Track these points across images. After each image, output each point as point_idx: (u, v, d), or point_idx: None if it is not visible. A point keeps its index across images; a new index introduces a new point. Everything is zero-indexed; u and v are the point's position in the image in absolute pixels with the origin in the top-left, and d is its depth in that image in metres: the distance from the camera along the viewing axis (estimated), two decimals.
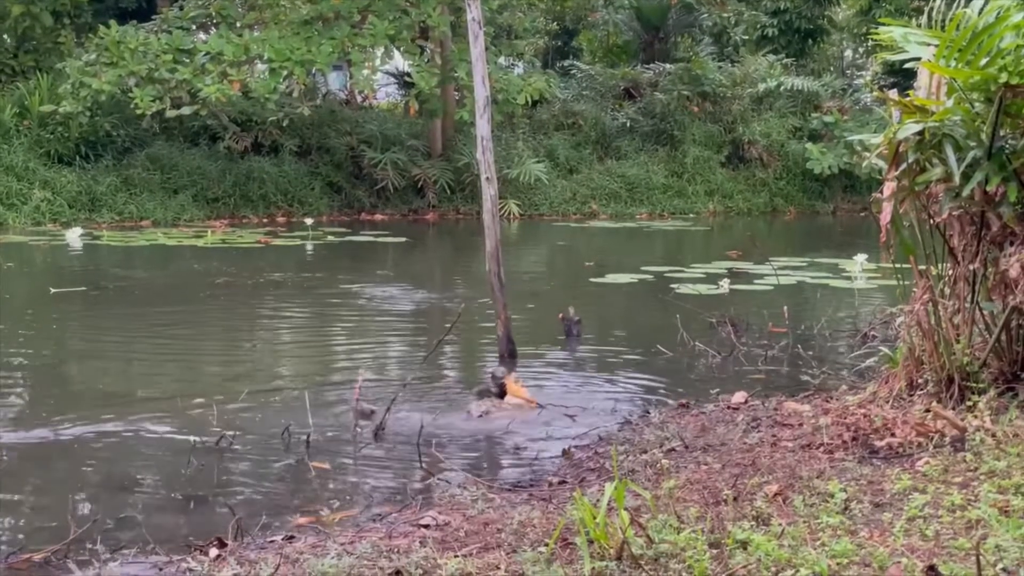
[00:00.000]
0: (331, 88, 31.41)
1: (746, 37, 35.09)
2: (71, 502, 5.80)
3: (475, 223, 20.60)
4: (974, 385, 6.31)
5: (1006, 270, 6.47)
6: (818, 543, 4.43)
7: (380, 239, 21.85)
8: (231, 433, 7.28)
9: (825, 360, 9.84)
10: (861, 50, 39.77)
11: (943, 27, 6.57)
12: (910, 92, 6.75)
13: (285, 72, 23.50)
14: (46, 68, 25.50)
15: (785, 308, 11.33)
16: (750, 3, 35.56)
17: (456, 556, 4.59)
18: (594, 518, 4.40)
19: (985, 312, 6.62)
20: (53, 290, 13.93)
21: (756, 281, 15.15)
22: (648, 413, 7.78)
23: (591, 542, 4.37)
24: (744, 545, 4.42)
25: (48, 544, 5.28)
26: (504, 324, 9.99)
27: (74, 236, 19.96)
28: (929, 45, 6.47)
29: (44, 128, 24.23)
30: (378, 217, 25.90)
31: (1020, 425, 5.78)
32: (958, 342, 6.45)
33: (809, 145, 29.35)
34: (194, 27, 25.34)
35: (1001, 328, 6.45)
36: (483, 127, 10.00)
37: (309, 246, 20.32)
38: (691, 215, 28.27)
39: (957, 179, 6.10)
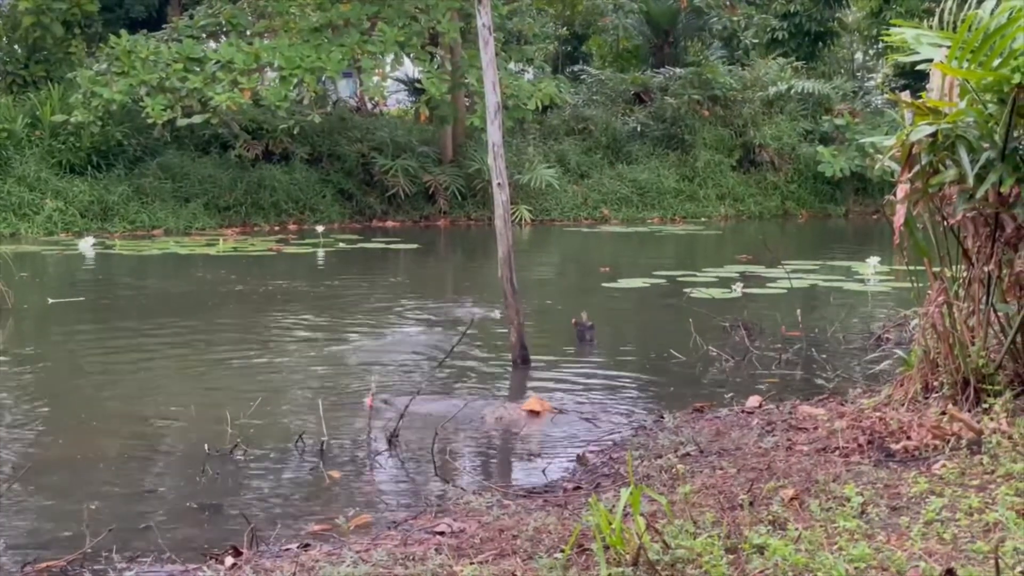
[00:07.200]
0: (341, 95, 31.48)
1: (756, 40, 35.07)
2: (87, 511, 5.80)
3: (487, 229, 20.63)
4: (990, 387, 6.28)
5: (1021, 271, 6.46)
6: (835, 547, 4.41)
7: (392, 246, 21.86)
8: (245, 442, 7.27)
9: (839, 363, 9.81)
10: (872, 52, 39.69)
11: (955, 29, 6.56)
12: (922, 94, 6.72)
13: (295, 80, 23.56)
14: (57, 78, 25.58)
15: (798, 311, 11.31)
16: (760, 6, 35.55)
17: (472, 563, 4.58)
18: (610, 524, 4.39)
19: (1000, 314, 6.60)
20: (51, 300, 13.94)
21: (769, 285, 15.12)
22: (662, 418, 7.75)
23: (607, 548, 4.36)
24: (761, 550, 4.41)
25: (64, 553, 5.28)
26: (517, 330, 9.99)
27: (86, 246, 19.98)
28: (941, 47, 6.46)
29: (56, 138, 24.32)
30: (389, 224, 25.93)
31: None
32: (973, 344, 6.42)
33: (820, 148, 29.31)
34: (204, 36, 25.40)
35: (1016, 330, 6.43)
36: (494, 133, 9.99)
37: (320, 254, 20.34)
38: (703, 219, 28.24)
39: (971, 181, 6.07)
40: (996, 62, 6.07)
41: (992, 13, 6.24)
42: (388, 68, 26.36)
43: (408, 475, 6.96)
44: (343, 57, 23.55)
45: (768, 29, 34.75)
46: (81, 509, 5.86)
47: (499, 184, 9.97)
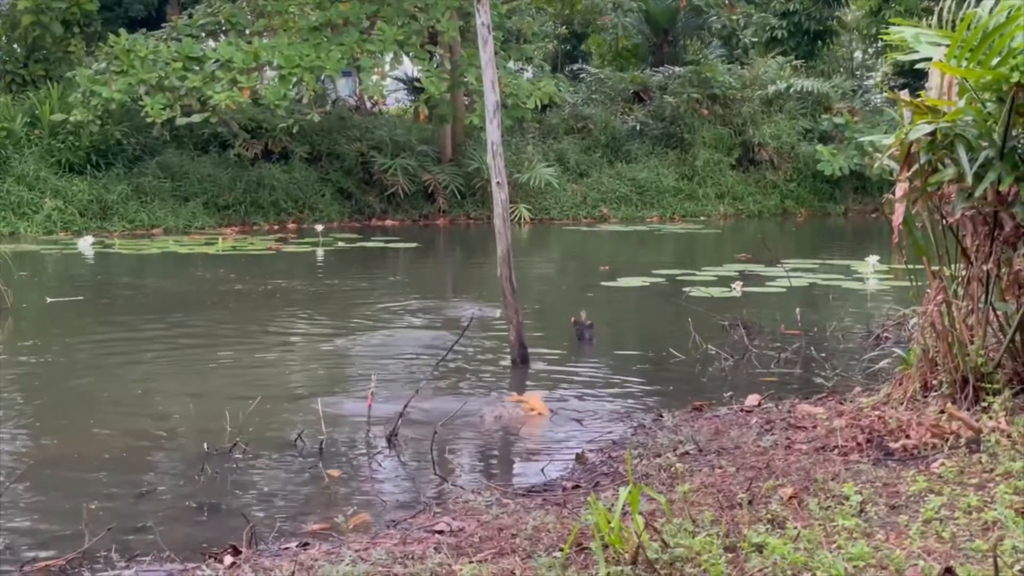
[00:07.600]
0: (341, 94, 31.46)
1: (755, 39, 35.07)
2: (85, 510, 5.80)
3: (486, 228, 20.60)
4: (989, 386, 6.28)
5: (1020, 270, 6.46)
6: (834, 546, 4.41)
7: (391, 245, 21.86)
8: (244, 441, 7.27)
9: (838, 362, 9.81)
10: (871, 51, 39.69)
11: (954, 27, 6.56)
12: (921, 93, 6.72)
13: (295, 79, 23.54)
14: (56, 77, 25.56)
15: (797, 310, 11.31)
16: (759, 5, 35.55)
17: (471, 562, 4.58)
18: (609, 523, 4.39)
19: (999, 312, 6.60)
20: (50, 299, 13.94)
21: (768, 283, 15.12)
22: (661, 417, 7.75)
23: (606, 547, 4.36)
24: (760, 549, 4.41)
25: (63, 553, 5.28)
26: (516, 329, 9.98)
27: (85, 245, 19.94)
28: (940, 45, 6.45)
29: (55, 137, 24.31)
30: (389, 223, 25.92)
31: None
32: (972, 343, 6.42)
33: (820, 147, 29.30)
34: (203, 35, 25.38)
35: (1015, 328, 6.43)
36: (493, 132, 9.98)
37: (320, 252, 20.34)
38: (702, 218, 28.23)
39: (969, 179, 6.07)
40: (995, 61, 6.08)
41: (991, 12, 6.24)
42: (387, 67, 26.36)
43: (407, 474, 6.96)
44: (342, 56, 23.54)
45: (767, 28, 34.74)
46: (80, 508, 5.85)
47: (498, 183, 9.97)
